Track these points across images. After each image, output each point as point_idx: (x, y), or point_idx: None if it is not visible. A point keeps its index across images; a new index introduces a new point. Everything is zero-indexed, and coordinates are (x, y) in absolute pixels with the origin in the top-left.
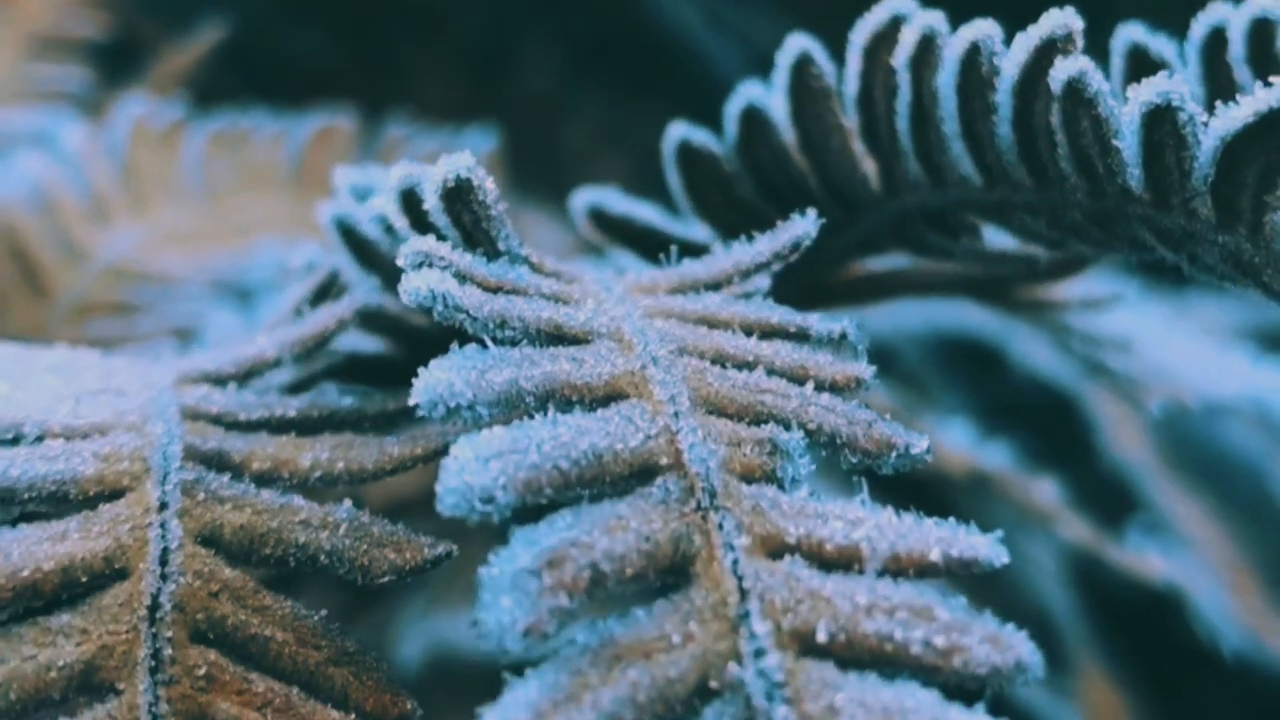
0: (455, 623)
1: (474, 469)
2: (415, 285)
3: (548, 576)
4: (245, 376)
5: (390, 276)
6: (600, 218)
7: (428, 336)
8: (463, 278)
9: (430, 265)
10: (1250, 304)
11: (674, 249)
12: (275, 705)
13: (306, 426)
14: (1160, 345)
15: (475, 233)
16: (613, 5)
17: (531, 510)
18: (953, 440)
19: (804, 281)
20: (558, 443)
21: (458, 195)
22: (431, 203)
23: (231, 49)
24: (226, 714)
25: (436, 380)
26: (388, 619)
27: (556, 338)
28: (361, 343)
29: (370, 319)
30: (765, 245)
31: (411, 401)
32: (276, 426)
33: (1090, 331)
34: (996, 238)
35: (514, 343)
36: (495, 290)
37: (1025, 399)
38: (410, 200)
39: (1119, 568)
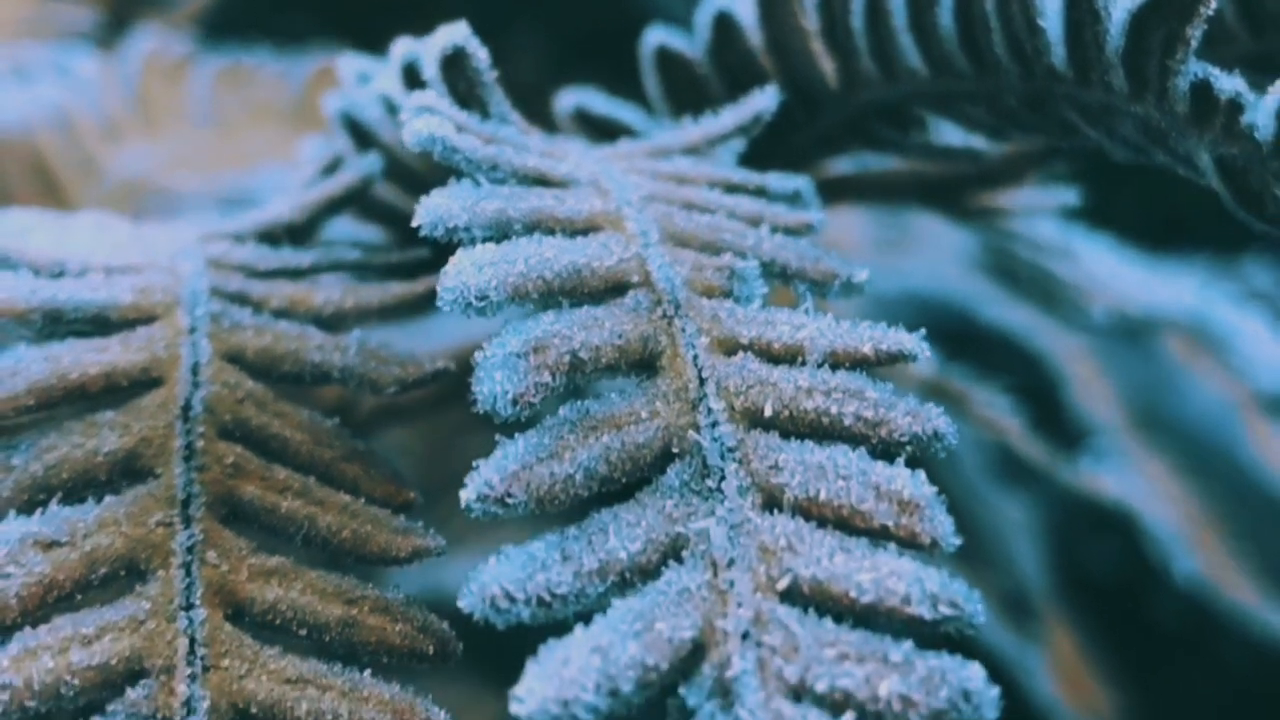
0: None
1: (470, 273)
2: (418, 129)
3: (533, 358)
4: (262, 236)
5: (390, 163)
6: (584, 117)
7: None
8: (459, 129)
9: (431, 114)
10: None
11: None
12: (294, 490)
13: (318, 275)
14: (1097, 259)
15: (470, 98)
16: None
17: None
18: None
19: None
20: (542, 257)
21: (454, 63)
22: (430, 72)
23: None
24: (251, 495)
25: (437, 205)
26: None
27: (541, 183)
28: (360, 232)
29: (368, 206)
30: (730, 117)
31: (415, 223)
32: (291, 275)
33: (1035, 238)
34: (946, 135)
35: (503, 184)
36: (487, 142)
37: (997, 359)
38: (411, 73)
39: (1071, 487)
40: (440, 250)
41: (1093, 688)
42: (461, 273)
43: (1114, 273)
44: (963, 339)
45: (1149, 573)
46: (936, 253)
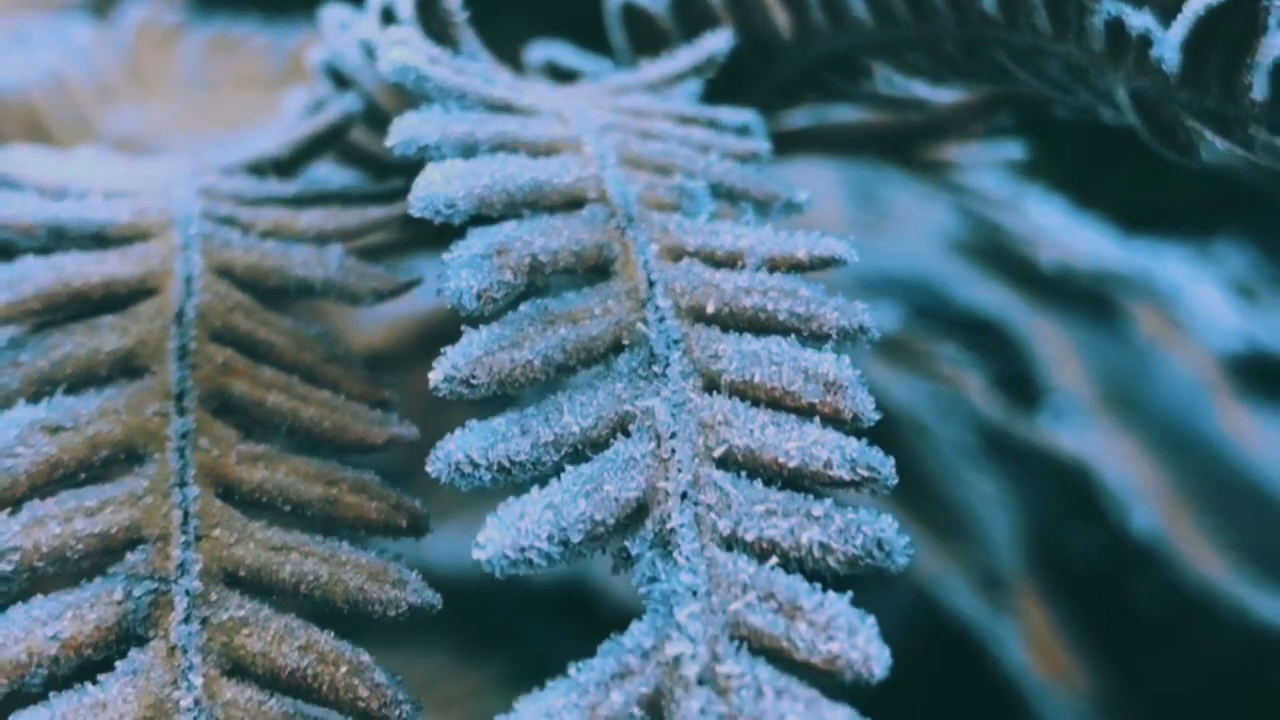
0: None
1: (440, 184)
2: (393, 58)
3: (497, 259)
4: (250, 170)
5: (368, 109)
6: (553, 69)
7: (394, 168)
8: (432, 61)
9: (406, 47)
10: None
11: None
12: (279, 387)
13: (303, 203)
14: (1044, 212)
15: (443, 37)
16: None
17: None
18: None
19: None
20: (507, 173)
21: (428, 5)
22: (406, 14)
23: None
24: (240, 390)
25: (410, 125)
26: None
27: (507, 111)
28: (338, 177)
29: (346, 151)
30: (686, 58)
31: (388, 143)
32: (277, 203)
33: (984, 190)
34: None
35: (471, 111)
36: (458, 73)
37: (969, 336)
38: (388, 16)
39: (1030, 442)
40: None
41: (1063, 658)
42: (432, 183)
43: (1064, 230)
44: (937, 318)
45: (1122, 550)
46: (912, 232)
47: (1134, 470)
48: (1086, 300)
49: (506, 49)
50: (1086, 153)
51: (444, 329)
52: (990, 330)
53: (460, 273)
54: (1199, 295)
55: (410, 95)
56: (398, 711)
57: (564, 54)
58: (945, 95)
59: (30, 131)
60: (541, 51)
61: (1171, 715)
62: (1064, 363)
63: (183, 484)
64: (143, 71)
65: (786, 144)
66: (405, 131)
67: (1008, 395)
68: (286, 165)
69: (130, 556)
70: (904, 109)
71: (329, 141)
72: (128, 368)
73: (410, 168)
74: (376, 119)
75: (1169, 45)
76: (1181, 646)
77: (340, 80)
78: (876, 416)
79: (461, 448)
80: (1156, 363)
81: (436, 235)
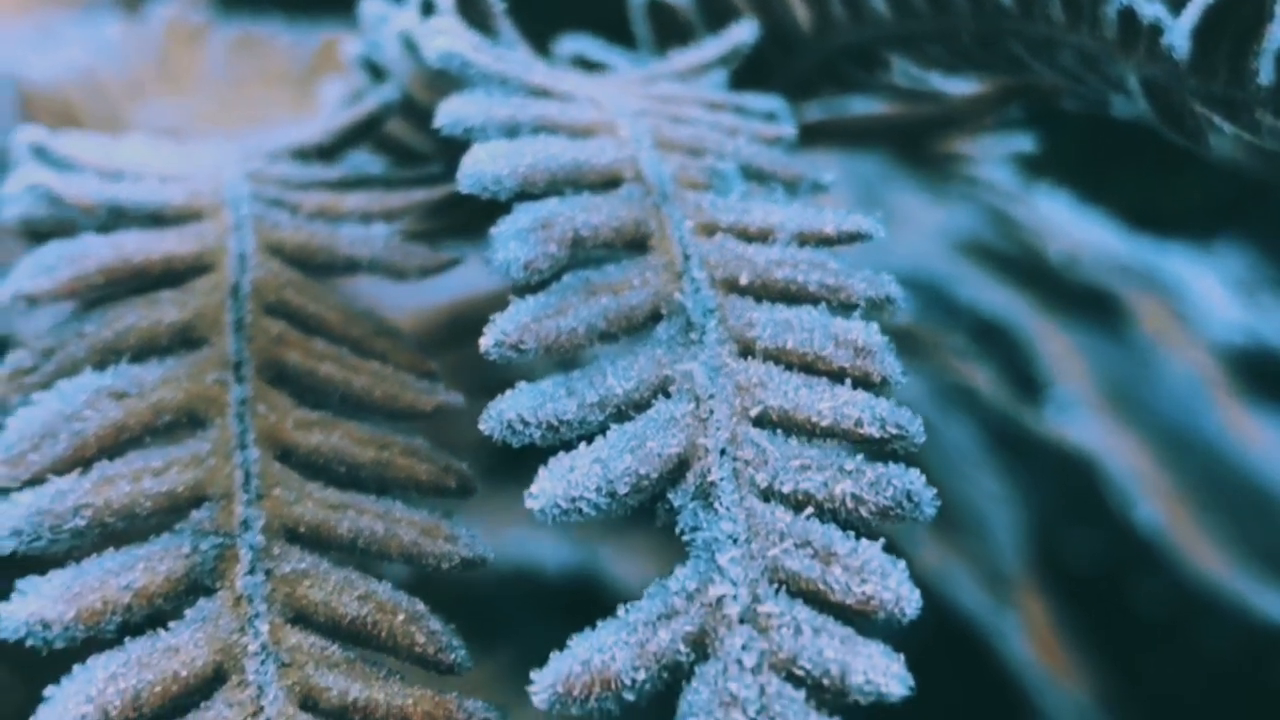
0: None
1: (487, 162)
2: (438, 45)
3: (542, 232)
4: (295, 155)
5: (403, 101)
6: (582, 61)
7: (426, 157)
8: (475, 49)
9: (449, 35)
10: None
11: None
12: (331, 357)
13: (346, 186)
14: (1051, 205)
15: (483, 28)
16: None
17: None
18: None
19: None
20: (548, 153)
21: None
22: (446, 5)
23: None
24: (294, 361)
25: (456, 108)
26: None
27: (545, 96)
28: (374, 166)
29: (382, 141)
30: (712, 48)
31: (437, 124)
32: (322, 186)
33: (994, 182)
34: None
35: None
36: (498, 60)
37: (973, 336)
38: (428, 8)
39: (1035, 433)
40: (451, 169)
41: (1064, 653)
42: (479, 161)
43: (1070, 223)
44: (942, 317)
45: (1124, 545)
46: (917, 232)
47: (1136, 465)
48: (1090, 300)
49: (534, 45)
50: (1093, 153)
51: (468, 320)
52: (994, 330)
53: (508, 245)
54: (1201, 289)
55: (444, 87)
56: (453, 656)
57: (592, 48)
58: (959, 87)
59: (64, 124)
60: (570, 46)
61: (1170, 711)
62: (1067, 362)
63: (243, 446)
64: (171, 68)
65: (804, 135)
66: (452, 114)
67: (1013, 388)
68: (328, 151)
69: (195, 514)
70: (919, 101)
71: (369, 129)
72: (187, 339)
73: (448, 153)
74: (410, 110)
75: (1179, 33)
76: (1182, 643)
77: (376, 72)
78: (904, 379)
79: (513, 407)
80: (1159, 362)
81: (465, 224)
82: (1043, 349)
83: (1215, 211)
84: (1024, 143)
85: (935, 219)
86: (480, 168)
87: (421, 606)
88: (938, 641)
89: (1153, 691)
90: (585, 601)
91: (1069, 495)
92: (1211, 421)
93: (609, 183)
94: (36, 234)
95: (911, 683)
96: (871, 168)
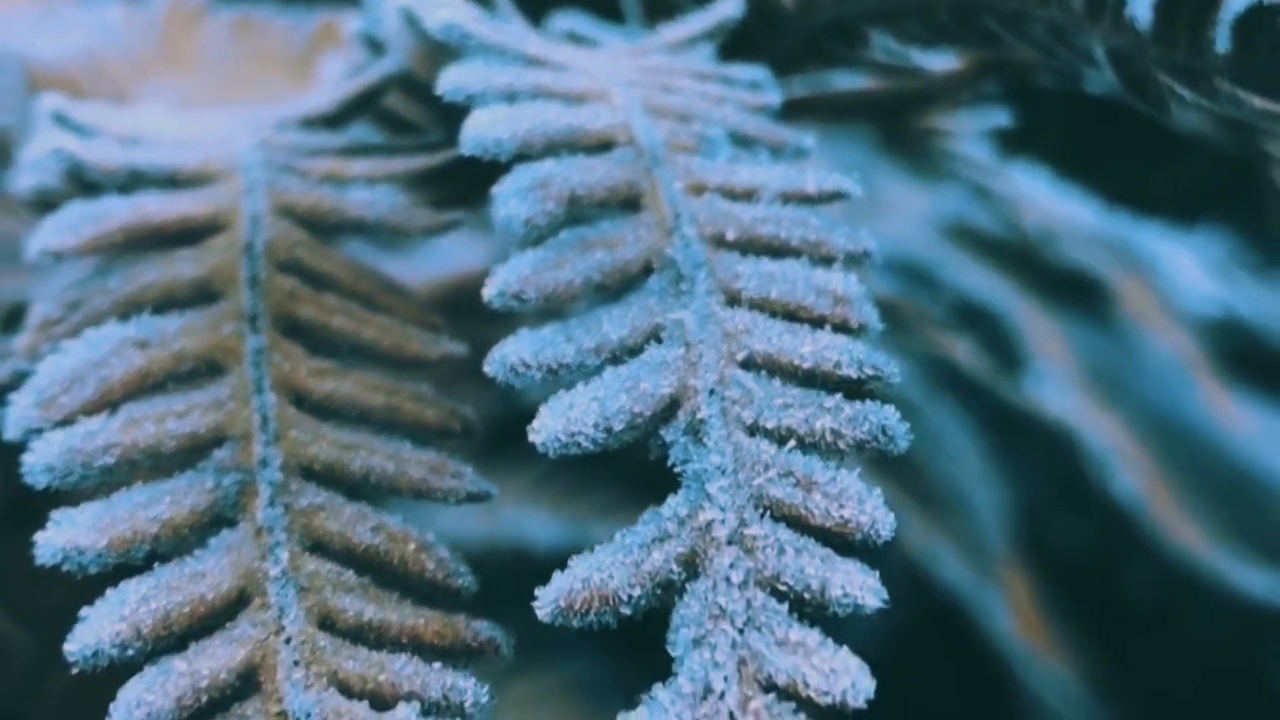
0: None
1: (488, 126)
2: (439, 17)
3: (541, 190)
4: (301, 124)
5: (402, 75)
6: (574, 38)
7: (423, 129)
8: (475, 20)
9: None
10: None
11: None
12: (342, 311)
13: (352, 153)
14: (1030, 181)
15: (481, 4)
16: None
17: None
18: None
19: None
20: (545, 118)
21: None
22: None
23: None
24: (307, 314)
25: (457, 75)
26: None
27: (542, 65)
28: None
29: (381, 115)
30: (699, 22)
31: (439, 91)
32: (329, 153)
33: (972, 157)
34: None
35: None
36: (497, 32)
37: (955, 318)
38: None
39: (1013, 404)
40: (449, 140)
41: (1046, 627)
42: (480, 125)
43: (1048, 198)
44: (926, 300)
45: (1105, 522)
46: (903, 217)
47: (1119, 444)
48: (1073, 283)
49: (528, 22)
50: (1080, 140)
51: (461, 296)
52: (978, 313)
53: (509, 202)
54: (1177, 264)
55: (443, 60)
56: (460, 581)
57: (583, 25)
58: (938, 62)
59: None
60: (563, 23)
61: (1154, 688)
62: (1050, 343)
63: (260, 392)
64: (172, 50)
65: (788, 110)
66: (453, 81)
67: (995, 363)
68: (334, 120)
69: (217, 453)
70: (899, 76)
71: (373, 99)
72: (205, 293)
73: (446, 125)
74: (410, 85)
75: (1141, 4)
76: (1164, 622)
77: (376, 47)
78: (881, 326)
79: (515, 351)
80: (1141, 344)
81: (464, 196)
82: (1026, 332)
83: (1200, 197)
84: (1001, 118)
85: (920, 204)
86: (481, 131)
87: (431, 536)
88: (923, 618)
89: (1135, 668)
90: None
91: (1053, 473)
92: (1193, 403)
93: (603, 146)
94: (49, 205)
95: (886, 596)
96: (857, 154)
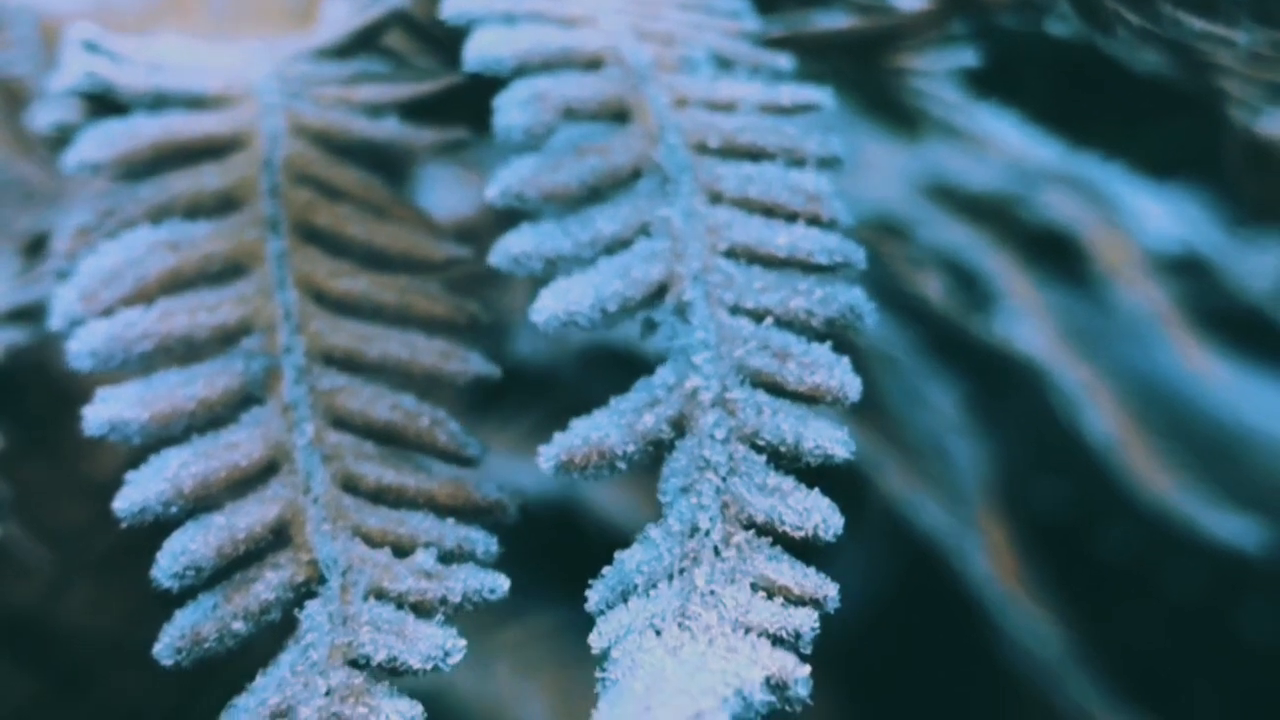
0: None
1: (489, 46)
2: None
3: (538, 102)
4: (314, 55)
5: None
6: None
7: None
8: None
9: None
10: None
11: None
12: (355, 219)
13: (359, 81)
14: (997, 122)
15: None
16: None
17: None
18: None
19: None
20: (541, 41)
21: None
22: None
23: None
24: (324, 222)
25: (459, 1)
26: None
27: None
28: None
29: (384, 54)
30: None
31: (443, 15)
32: (338, 82)
33: (943, 97)
34: None
35: None
36: None
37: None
38: None
39: (985, 342)
40: (447, 69)
41: (1021, 571)
42: (482, 45)
43: (1015, 136)
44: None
45: (1078, 471)
46: (883, 175)
47: (1091, 390)
48: (1046, 239)
49: None
50: (1039, 80)
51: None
52: (954, 269)
53: (510, 112)
54: (1148, 214)
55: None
56: (470, 450)
57: None
58: (909, 2)
59: None
60: None
61: (1129, 632)
62: (1025, 294)
63: (282, 288)
64: (178, 3)
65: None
66: (456, 6)
67: (966, 299)
68: (343, 51)
69: (245, 341)
70: (872, 14)
71: (375, 34)
72: (228, 202)
73: (444, 55)
74: (408, 23)
75: None
76: (1138, 568)
77: None
78: (850, 220)
79: (517, 244)
80: (1113, 297)
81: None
82: (1001, 283)
83: (1169, 146)
84: (968, 57)
85: (897, 163)
86: (483, 50)
87: (442, 414)
88: (905, 564)
89: (1111, 612)
90: (566, 527)
91: (1030, 424)
92: (1165, 355)
93: (594, 64)
94: (67, 142)
95: (854, 447)
96: (836, 115)
